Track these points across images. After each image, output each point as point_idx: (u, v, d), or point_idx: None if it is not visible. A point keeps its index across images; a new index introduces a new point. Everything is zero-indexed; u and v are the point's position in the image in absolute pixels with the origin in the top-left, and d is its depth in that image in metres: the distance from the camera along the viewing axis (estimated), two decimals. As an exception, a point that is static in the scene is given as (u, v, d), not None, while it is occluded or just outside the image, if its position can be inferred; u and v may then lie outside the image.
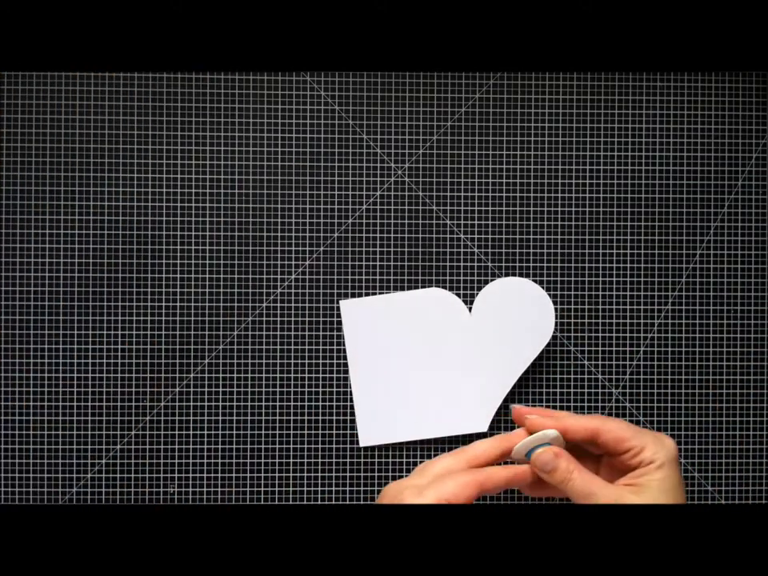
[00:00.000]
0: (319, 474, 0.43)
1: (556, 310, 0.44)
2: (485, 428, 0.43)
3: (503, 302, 0.43)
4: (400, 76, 0.44)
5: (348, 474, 0.44)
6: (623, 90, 0.45)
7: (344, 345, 0.44)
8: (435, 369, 0.43)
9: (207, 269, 0.44)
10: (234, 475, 0.44)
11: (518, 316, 0.43)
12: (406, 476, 0.39)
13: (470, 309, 0.44)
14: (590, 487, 0.34)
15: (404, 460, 0.44)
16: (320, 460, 0.44)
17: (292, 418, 0.44)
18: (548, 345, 0.44)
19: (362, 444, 0.44)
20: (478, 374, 0.43)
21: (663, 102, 0.45)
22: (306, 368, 0.44)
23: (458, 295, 0.44)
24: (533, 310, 0.43)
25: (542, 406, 0.44)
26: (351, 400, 0.44)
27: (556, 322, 0.44)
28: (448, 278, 0.44)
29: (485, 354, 0.43)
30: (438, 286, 0.44)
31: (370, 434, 0.44)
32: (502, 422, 0.44)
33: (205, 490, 0.43)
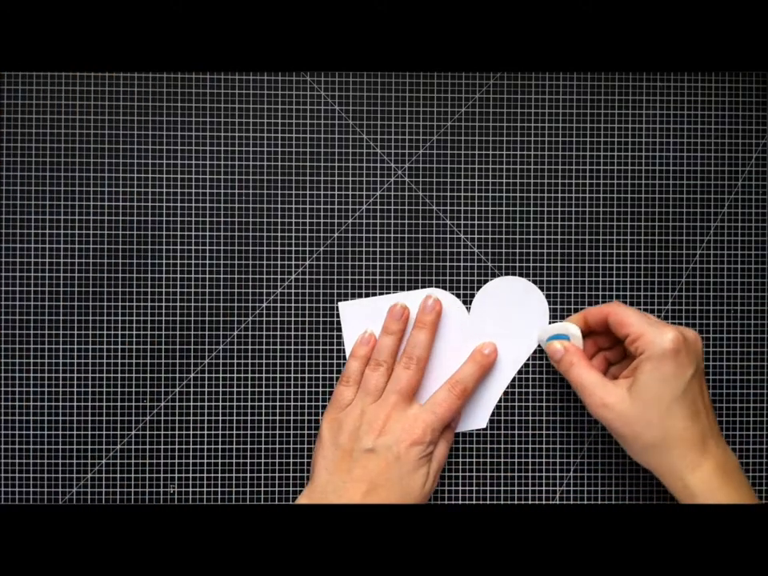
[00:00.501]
0: (319, 474, 0.43)
1: (556, 309, 0.44)
2: (483, 425, 0.43)
3: (500, 301, 0.44)
4: (400, 76, 0.44)
5: (348, 474, 0.44)
6: (623, 90, 0.44)
7: (344, 345, 0.44)
8: (434, 368, 0.43)
9: (207, 269, 0.44)
10: (234, 475, 0.44)
11: (514, 315, 0.44)
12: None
13: (469, 308, 0.44)
14: (582, 379, 0.38)
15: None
16: (320, 460, 0.44)
17: (292, 418, 0.44)
18: (548, 345, 0.44)
19: None
20: None
21: (663, 101, 0.45)
22: (306, 368, 0.44)
23: (458, 295, 0.44)
24: (528, 309, 0.44)
25: (543, 405, 0.44)
26: (351, 400, 0.44)
27: (556, 322, 0.44)
28: (447, 278, 0.44)
29: None
30: (438, 286, 0.44)
31: None
32: (501, 419, 0.44)
33: (205, 490, 0.43)
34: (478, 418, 0.44)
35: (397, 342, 0.42)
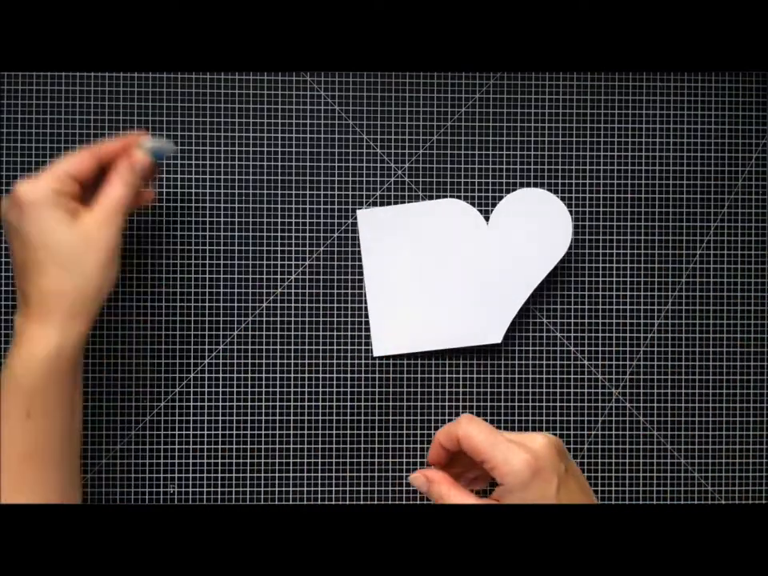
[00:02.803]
0: (319, 474, 0.43)
1: (556, 309, 0.44)
2: (499, 339, 0.43)
3: (520, 214, 0.43)
4: (400, 76, 0.44)
5: (348, 475, 0.44)
6: (623, 90, 0.45)
7: (360, 255, 0.44)
8: (451, 279, 0.43)
9: (207, 269, 0.44)
10: (233, 475, 0.44)
11: (534, 227, 0.43)
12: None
13: (487, 220, 0.43)
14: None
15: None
16: (320, 460, 0.44)
17: (292, 418, 0.44)
18: (548, 344, 0.44)
19: (375, 354, 0.44)
20: (493, 285, 0.43)
21: (663, 101, 0.45)
22: (306, 368, 0.44)
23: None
24: (550, 222, 0.42)
25: (543, 406, 0.44)
26: (351, 399, 0.44)
27: (557, 322, 0.44)
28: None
29: (501, 265, 0.43)
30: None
31: (384, 343, 0.44)
32: (502, 419, 0.44)
33: (205, 490, 0.43)
34: (494, 332, 0.43)
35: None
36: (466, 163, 0.44)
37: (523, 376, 0.44)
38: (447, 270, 0.43)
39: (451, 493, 0.35)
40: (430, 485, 0.36)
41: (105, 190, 0.37)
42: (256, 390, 0.44)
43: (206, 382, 0.44)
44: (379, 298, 0.44)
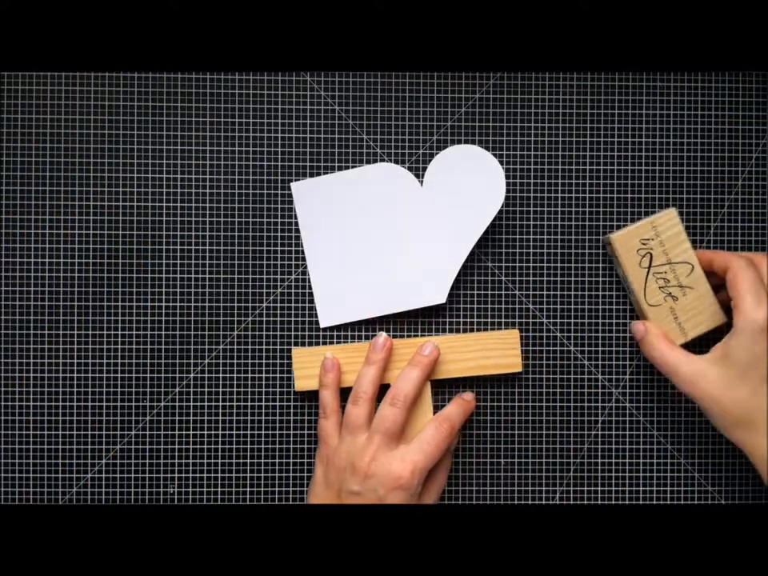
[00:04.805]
0: (319, 474, 0.43)
1: (557, 310, 0.44)
2: (443, 299, 0.43)
3: (454, 172, 0.42)
4: (400, 76, 0.44)
5: (348, 474, 0.44)
6: (623, 90, 0.44)
7: (299, 226, 0.43)
8: (390, 244, 0.43)
9: (207, 269, 0.44)
10: (233, 475, 0.44)
11: (468, 184, 0.42)
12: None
13: (422, 181, 0.43)
14: (666, 359, 0.39)
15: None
16: (320, 460, 0.44)
17: (292, 418, 0.44)
18: (548, 345, 0.44)
19: (322, 325, 0.44)
20: (432, 246, 0.43)
21: (663, 101, 0.45)
22: (306, 368, 0.44)
23: (457, 294, 0.44)
24: (483, 178, 0.42)
25: (543, 406, 0.44)
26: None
27: (557, 322, 0.44)
28: (448, 277, 0.44)
29: (438, 224, 0.42)
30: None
31: (329, 314, 0.44)
32: (501, 419, 0.44)
33: (205, 490, 0.43)
34: (438, 294, 0.43)
35: (379, 373, 0.41)
36: (466, 163, 0.44)
37: (523, 376, 0.44)
38: (386, 235, 0.43)
39: (661, 345, 0.39)
40: (645, 334, 0.40)
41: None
42: (256, 390, 0.44)
43: (206, 382, 0.44)
44: (321, 270, 0.43)
